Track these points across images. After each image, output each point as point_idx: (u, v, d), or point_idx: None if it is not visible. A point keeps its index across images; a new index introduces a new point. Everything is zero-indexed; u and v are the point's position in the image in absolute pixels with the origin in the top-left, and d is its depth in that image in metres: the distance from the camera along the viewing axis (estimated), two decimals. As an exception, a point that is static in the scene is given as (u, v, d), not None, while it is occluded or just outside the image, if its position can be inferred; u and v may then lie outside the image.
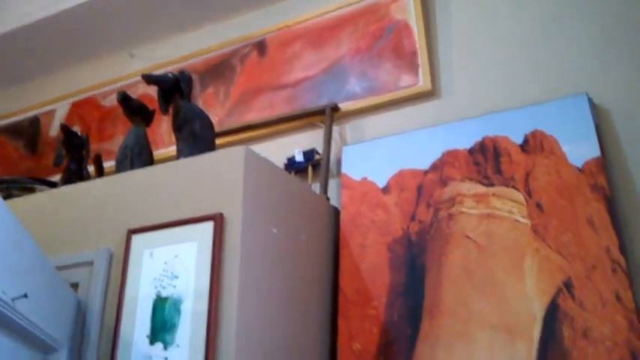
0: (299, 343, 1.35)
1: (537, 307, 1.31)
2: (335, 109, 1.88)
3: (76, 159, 1.75)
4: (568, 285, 1.31)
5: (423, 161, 1.62)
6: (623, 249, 1.28)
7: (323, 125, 1.87)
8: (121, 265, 1.27)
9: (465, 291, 1.40)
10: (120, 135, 2.34)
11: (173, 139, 2.24)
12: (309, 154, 1.84)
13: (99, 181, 1.52)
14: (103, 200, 1.39)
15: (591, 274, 1.29)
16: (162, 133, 2.21)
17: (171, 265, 1.22)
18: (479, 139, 1.57)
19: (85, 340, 1.21)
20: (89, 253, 1.31)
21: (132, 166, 1.55)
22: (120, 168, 1.56)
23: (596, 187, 1.38)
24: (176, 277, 1.20)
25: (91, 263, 1.29)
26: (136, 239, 1.28)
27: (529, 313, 1.31)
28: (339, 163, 1.81)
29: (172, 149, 2.14)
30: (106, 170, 1.84)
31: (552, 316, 1.29)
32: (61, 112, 2.55)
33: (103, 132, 2.39)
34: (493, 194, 1.49)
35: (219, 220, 1.21)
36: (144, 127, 1.65)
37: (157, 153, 1.92)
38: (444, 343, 1.36)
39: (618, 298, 1.24)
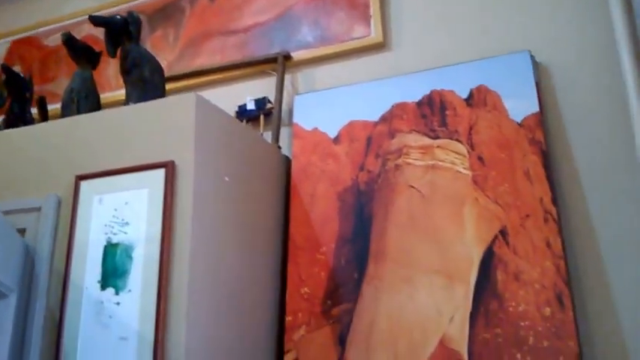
0: (250, 288, 1.39)
1: (475, 253, 1.39)
2: (287, 57, 1.88)
3: (18, 101, 1.70)
4: (504, 233, 1.39)
5: (373, 113, 1.65)
6: (555, 200, 1.37)
7: (275, 73, 1.87)
8: (69, 211, 1.27)
9: (408, 238, 1.47)
10: (64, 77, 2.26)
11: (121, 82, 2.19)
12: (260, 103, 1.85)
13: (45, 125, 1.48)
14: (50, 145, 1.37)
15: (525, 222, 1.38)
16: (109, 76, 2.16)
17: (122, 212, 1.22)
18: (427, 92, 1.61)
19: (34, 286, 1.22)
20: (37, 199, 1.29)
21: (78, 111, 1.52)
22: (66, 112, 1.52)
23: (534, 141, 1.45)
24: (127, 223, 1.21)
25: (38, 209, 1.28)
26: (85, 185, 1.27)
27: (467, 259, 1.39)
28: (290, 112, 1.82)
29: (120, 93, 2.10)
30: (50, 113, 1.79)
31: (488, 262, 1.37)
32: (0, 50, 2.44)
33: (46, 73, 2.31)
34: (438, 146, 1.54)
35: (170, 168, 1.22)
36: (90, 70, 1.61)
37: (104, 97, 1.88)
38: (388, 286, 1.43)
39: (548, 245, 1.34)
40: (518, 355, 1.27)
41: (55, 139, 1.38)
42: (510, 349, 1.28)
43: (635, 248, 1.32)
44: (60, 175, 1.31)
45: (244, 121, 1.85)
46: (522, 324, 1.29)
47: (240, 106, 1.87)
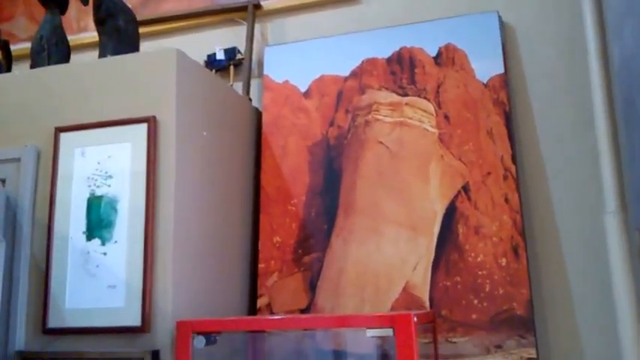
0: (227, 237, 1.46)
1: (438, 207, 1.49)
2: (257, 6, 1.87)
3: (-21, 44, 1.65)
4: (466, 189, 1.49)
5: (343, 67, 1.69)
6: (514, 158, 1.47)
7: (244, 22, 1.87)
8: (50, 163, 1.28)
9: (376, 192, 1.55)
10: (21, 16, 2.18)
11: (82, 25, 2.15)
12: (230, 53, 1.85)
13: (20, 74, 1.46)
14: (28, 96, 1.36)
15: (486, 179, 1.48)
16: (71, 19, 2.10)
17: (105, 165, 1.24)
18: (396, 48, 1.66)
19: (17, 236, 1.24)
20: (15, 149, 1.29)
21: (49, 59, 1.49)
22: (37, 60, 1.50)
23: (498, 101, 1.53)
24: (110, 176, 1.24)
25: (17, 160, 1.28)
26: (65, 138, 1.28)
27: (431, 213, 1.49)
28: (260, 63, 1.83)
29: (83, 36, 2.06)
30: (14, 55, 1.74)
31: (450, 216, 1.48)
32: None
33: (1, 11, 2.22)
34: (406, 104, 1.61)
35: (152, 123, 1.24)
36: (59, 15, 1.57)
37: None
38: (356, 237, 1.52)
39: (507, 200, 1.45)
40: (475, 301, 1.40)
41: (32, 90, 1.37)
42: (468, 296, 1.41)
43: (586, 204, 1.44)
44: (39, 127, 1.31)
45: (213, 71, 1.85)
46: (480, 273, 1.41)
47: (209, 56, 1.87)
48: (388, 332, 1.01)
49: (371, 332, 1.02)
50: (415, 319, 1.02)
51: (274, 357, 1.43)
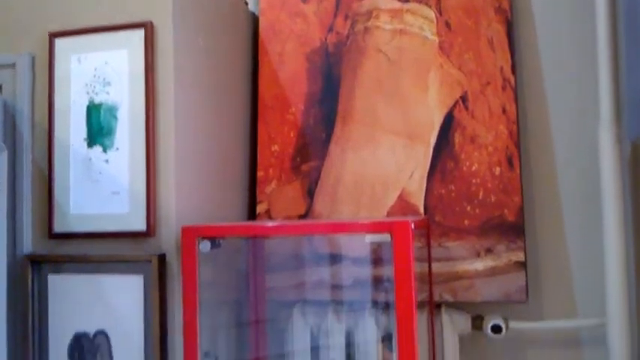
0: (226, 145, 1.47)
1: (436, 116, 1.50)
2: None
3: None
4: (464, 98, 1.49)
5: (342, -29, 1.64)
6: (514, 69, 1.47)
7: None
8: (46, 69, 1.26)
9: (374, 100, 1.55)
10: None
11: None
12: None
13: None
14: (19, 1, 1.31)
15: (485, 89, 1.48)
16: None
17: (102, 72, 1.23)
18: (398, -49, 1.60)
19: (18, 142, 1.24)
20: (10, 55, 1.27)
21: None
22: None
23: (500, 9, 1.50)
24: (108, 83, 1.22)
25: (12, 65, 1.26)
26: (60, 43, 1.25)
27: (429, 121, 1.50)
28: (255, -36, 1.76)
29: None
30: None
31: (448, 125, 1.49)
32: None
33: None
34: (407, 10, 1.57)
35: (149, 28, 1.21)
36: None
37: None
38: (354, 146, 1.54)
39: (504, 110, 1.46)
40: (468, 208, 1.44)
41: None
42: (461, 203, 1.45)
43: (582, 116, 1.46)
44: (32, 33, 1.28)
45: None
46: (474, 181, 1.45)
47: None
48: (386, 238, 1.05)
49: (369, 238, 1.06)
50: (412, 225, 1.06)
51: (276, 260, 1.49)
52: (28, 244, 1.26)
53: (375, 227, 1.08)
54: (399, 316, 1.05)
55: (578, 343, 1.41)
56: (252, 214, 1.57)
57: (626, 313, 1.32)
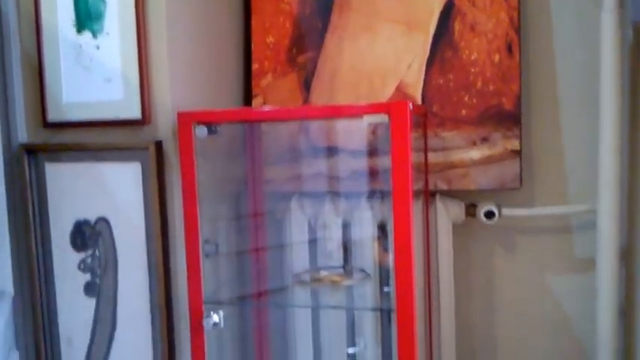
0: (219, 36, 1.43)
1: (436, 4, 1.45)
2: None
3: None
4: (465, -16, 1.44)
5: None
6: (517, -49, 1.40)
7: None
8: (27, -51, 1.20)
9: (372, -12, 1.49)
10: None
11: None
12: None
13: None
14: None
15: (486, -26, 1.42)
16: None
17: (87, -48, 1.17)
18: None
19: (4, 29, 1.20)
20: None
21: None
22: None
23: None
24: (94, -36, 1.17)
25: (-9, -54, 1.20)
26: None
27: (428, 9, 1.46)
28: None
29: None
30: None
31: (447, 13, 1.44)
32: None
33: None
34: None
35: None
36: None
37: None
38: (351, 35, 1.50)
39: (505, -4, 1.41)
40: (466, 97, 1.43)
41: None
42: (459, 92, 1.43)
43: (585, 2, 1.41)
44: None
45: None
46: (473, 70, 1.43)
47: None
48: (384, 119, 1.05)
49: (367, 119, 1.05)
50: (410, 106, 1.05)
51: (273, 151, 1.49)
52: (22, 134, 1.25)
53: (373, 109, 1.07)
54: (396, 197, 1.06)
55: (569, 228, 1.45)
56: (247, 108, 1.56)
57: (617, 199, 1.34)
